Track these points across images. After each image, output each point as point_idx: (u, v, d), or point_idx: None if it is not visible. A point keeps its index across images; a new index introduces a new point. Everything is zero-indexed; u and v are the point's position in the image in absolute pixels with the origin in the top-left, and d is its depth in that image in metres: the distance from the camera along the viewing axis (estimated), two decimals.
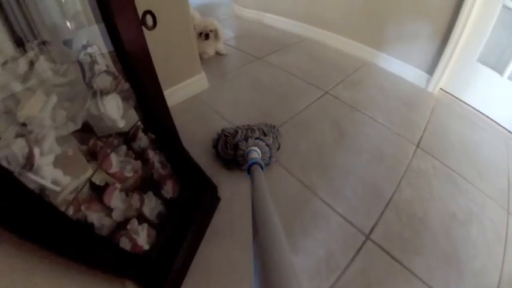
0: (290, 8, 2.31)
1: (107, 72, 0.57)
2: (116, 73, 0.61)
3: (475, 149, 1.37)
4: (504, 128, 1.55)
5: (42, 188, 0.42)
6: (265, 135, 1.08)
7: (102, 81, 0.56)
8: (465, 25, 1.46)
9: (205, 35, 1.74)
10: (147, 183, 0.79)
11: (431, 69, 1.70)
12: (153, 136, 0.84)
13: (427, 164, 1.22)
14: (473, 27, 1.48)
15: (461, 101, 1.71)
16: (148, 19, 0.57)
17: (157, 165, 0.83)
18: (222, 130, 1.13)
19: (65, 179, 0.46)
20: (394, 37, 1.78)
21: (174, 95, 1.40)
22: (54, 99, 0.47)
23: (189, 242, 0.80)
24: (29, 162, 0.37)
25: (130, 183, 0.76)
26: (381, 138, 1.31)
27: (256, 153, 0.95)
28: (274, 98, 1.50)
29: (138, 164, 0.78)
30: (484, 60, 1.54)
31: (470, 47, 1.54)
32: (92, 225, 0.58)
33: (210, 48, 1.85)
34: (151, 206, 0.74)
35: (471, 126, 1.53)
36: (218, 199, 0.95)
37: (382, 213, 1.00)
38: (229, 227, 0.90)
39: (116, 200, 0.69)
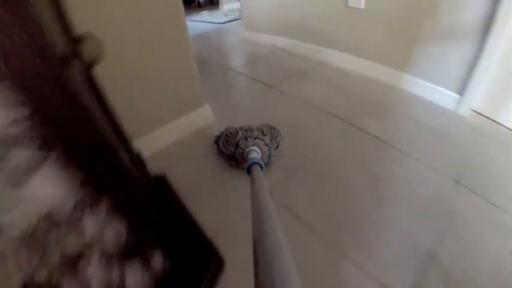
0: (306, 30, 2.20)
1: None
2: None
3: None
4: None
5: None
6: (264, 135, 1.10)
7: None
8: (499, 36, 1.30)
9: None
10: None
11: (462, 90, 1.52)
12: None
13: (471, 204, 1.03)
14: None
15: (496, 122, 1.51)
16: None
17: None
18: (226, 129, 1.17)
19: None
20: (423, 56, 1.62)
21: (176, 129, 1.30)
22: None
23: None
24: None
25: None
26: (418, 176, 1.14)
27: (256, 153, 0.97)
28: (291, 134, 1.34)
29: None
30: None
31: (506, 62, 1.36)
32: None
33: None
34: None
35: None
36: (222, 262, 0.79)
37: (425, 273, 0.81)
38: None
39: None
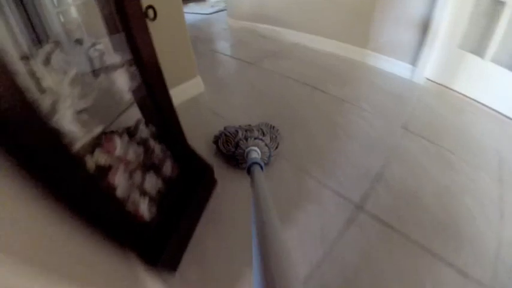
0: (281, 17, 2.45)
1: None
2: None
3: (464, 130, 1.42)
4: (492, 108, 1.60)
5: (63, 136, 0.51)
6: (264, 135, 1.10)
7: (112, 59, 0.67)
8: (442, 15, 1.56)
9: None
10: (148, 166, 0.87)
11: (415, 61, 1.78)
12: (154, 129, 0.93)
13: (416, 144, 1.28)
14: (452, 16, 1.57)
15: (447, 88, 1.78)
16: (150, 12, 0.68)
17: (157, 151, 0.92)
18: (225, 128, 1.16)
19: (81, 130, 0.56)
20: (379, 34, 1.88)
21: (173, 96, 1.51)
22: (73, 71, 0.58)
23: (188, 220, 0.87)
24: (53, 109, 0.47)
25: (133, 166, 0.85)
26: (369, 126, 1.39)
27: (256, 153, 0.98)
28: (269, 97, 1.60)
29: (140, 149, 0.87)
30: (465, 47, 1.62)
31: (451, 35, 1.63)
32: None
33: None
34: (151, 182, 0.81)
35: (459, 110, 1.59)
36: (215, 181, 1.02)
37: (372, 188, 1.05)
38: (224, 211, 0.96)
39: (119, 177, 0.77)
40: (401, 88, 1.74)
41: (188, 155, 0.99)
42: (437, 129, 1.40)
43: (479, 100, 1.66)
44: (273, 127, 1.22)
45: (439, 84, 1.82)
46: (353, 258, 0.84)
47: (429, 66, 1.77)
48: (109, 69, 0.68)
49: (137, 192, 0.75)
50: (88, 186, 0.53)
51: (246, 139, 1.04)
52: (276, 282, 0.26)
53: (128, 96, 0.72)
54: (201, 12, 3.81)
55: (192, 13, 3.86)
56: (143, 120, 0.93)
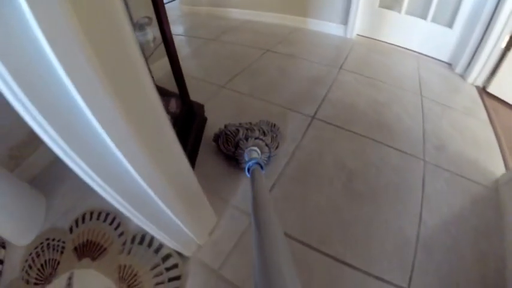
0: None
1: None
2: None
3: (389, 66, 1.86)
4: (410, 49, 2.09)
5: None
6: (264, 134, 1.10)
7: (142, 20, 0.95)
8: None
9: None
10: None
11: (346, 21, 2.20)
12: None
13: (351, 77, 1.69)
14: None
15: (374, 39, 2.23)
16: None
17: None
18: (225, 126, 1.16)
19: None
20: (313, 3, 2.28)
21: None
22: None
23: (193, 141, 1.17)
24: None
25: None
26: (313, 69, 1.77)
27: (256, 153, 0.98)
28: (232, 60, 1.90)
29: None
30: (384, 5, 2.07)
31: None
32: None
33: None
34: None
35: (384, 53, 2.03)
36: (206, 118, 1.32)
37: (321, 104, 1.44)
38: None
39: None
40: (337, 43, 2.15)
41: (185, 96, 1.26)
42: (368, 67, 1.83)
43: (400, 45, 2.14)
44: (274, 125, 1.22)
45: (367, 37, 2.27)
46: (315, 145, 1.22)
47: (357, 24, 2.20)
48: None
49: None
50: None
51: (247, 139, 1.04)
52: (275, 280, 0.27)
53: (152, 44, 1.01)
54: None
55: None
56: None
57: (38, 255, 0.92)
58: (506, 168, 1.20)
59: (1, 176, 0.91)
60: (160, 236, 0.70)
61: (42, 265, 0.90)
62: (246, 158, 0.98)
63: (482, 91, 1.73)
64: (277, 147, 1.13)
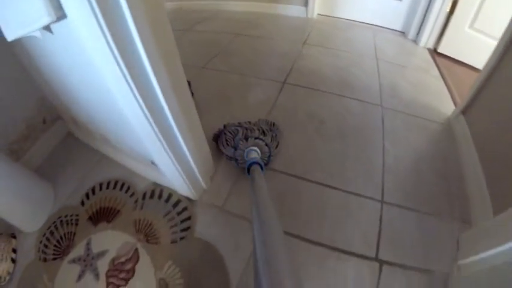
0: None
1: None
2: None
3: (348, 38, 2.07)
4: (365, 23, 2.31)
5: None
6: (264, 134, 1.08)
7: None
8: None
9: None
10: None
11: (306, 3, 2.39)
12: None
13: (313, 49, 1.88)
14: None
15: (334, 17, 2.44)
16: None
17: None
18: (224, 126, 1.15)
19: None
20: None
21: None
22: None
23: None
24: None
25: None
26: (280, 46, 1.96)
27: (255, 153, 0.98)
28: (207, 44, 2.07)
29: None
30: None
31: None
32: None
33: None
34: None
35: (344, 28, 2.24)
36: (192, 93, 1.45)
37: (290, 72, 1.62)
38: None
39: None
40: (300, 23, 2.35)
41: None
42: (328, 40, 2.03)
43: (357, 20, 2.35)
44: (273, 124, 1.21)
45: (327, 16, 2.47)
46: (288, 103, 1.41)
47: (317, 5, 2.40)
48: None
49: None
50: None
51: (246, 139, 1.03)
52: (275, 279, 0.29)
53: None
54: None
55: None
56: None
57: (52, 234, 0.97)
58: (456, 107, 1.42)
59: (7, 166, 0.94)
60: (173, 174, 0.85)
61: (58, 241, 0.95)
62: (246, 158, 0.99)
63: (434, 52, 1.97)
64: (277, 147, 1.13)
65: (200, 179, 0.96)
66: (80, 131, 1.21)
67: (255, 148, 1.00)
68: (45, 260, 0.91)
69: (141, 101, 0.59)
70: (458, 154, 1.16)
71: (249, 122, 1.18)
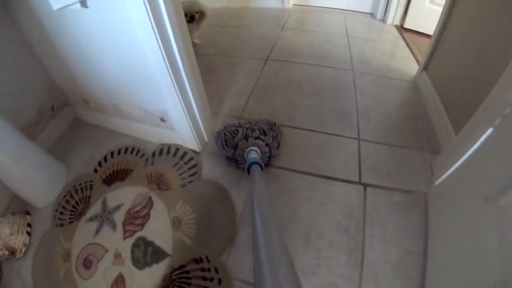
0: None
1: None
2: None
3: (321, 22, 2.27)
4: (338, 8, 2.53)
5: None
6: (265, 134, 1.07)
7: None
8: None
9: (190, 17, 1.68)
10: None
11: None
12: None
13: (290, 32, 2.08)
14: None
15: (308, 5, 2.65)
16: None
17: None
18: (224, 127, 1.13)
19: None
20: None
21: None
22: None
23: None
24: None
25: None
26: (261, 32, 2.15)
27: (255, 153, 0.97)
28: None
29: None
30: None
31: None
32: None
33: (192, 33, 1.77)
34: None
35: (317, 14, 2.46)
36: None
37: (271, 51, 1.82)
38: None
39: None
40: (277, 13, 2.55)
41: None
42: (304, 24, 2.23)
43: (329, 6, 2.56)
44: (274, 124, 1.19)
45: (302, 5, 2.67)
46: (271, 74, 1.60)
47: None
48: None
49: None
50: None
51: (246, 139, 1.02)
52: (275, 281, 0.29)
53: None
54: None
55: None
56: None
57: (67, 202, 1.03)
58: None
59: (22, 141, 0.99)
60: (184, 125, 1.03)
61: (73, 206, 1.01)
62: (246, 158, 0.98)
63: (400, 28, 2.19)
64: (278, 147, 1.11)
65: (203, 131, 1.13)
66: (89, 112, 1.34)
67: (255, 148, 0.99)
68: (61, 225, 0.98)
69: (166, 58, 0.79)
70: (423, 100, 1.36)
71: (249, 122, 1.15)
